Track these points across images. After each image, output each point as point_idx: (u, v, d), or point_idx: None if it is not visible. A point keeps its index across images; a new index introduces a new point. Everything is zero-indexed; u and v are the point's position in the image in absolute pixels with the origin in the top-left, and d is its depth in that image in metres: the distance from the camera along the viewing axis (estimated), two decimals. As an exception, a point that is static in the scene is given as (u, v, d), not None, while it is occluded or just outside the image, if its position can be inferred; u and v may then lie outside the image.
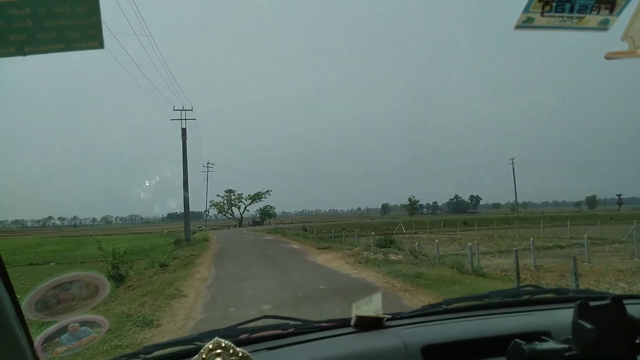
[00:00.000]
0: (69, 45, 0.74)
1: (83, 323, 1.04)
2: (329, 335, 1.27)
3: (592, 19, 0.78)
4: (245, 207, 70.64)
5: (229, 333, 1.24)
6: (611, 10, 0.76)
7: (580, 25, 0.79)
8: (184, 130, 25.70)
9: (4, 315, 0.60)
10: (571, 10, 0.76)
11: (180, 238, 25.35)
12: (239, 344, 0.95)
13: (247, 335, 1.24)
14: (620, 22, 0.76)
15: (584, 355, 0.78)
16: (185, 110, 26.23)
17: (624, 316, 0.81)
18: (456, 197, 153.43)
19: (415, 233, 38.09)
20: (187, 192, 25.95)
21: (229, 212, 70.16)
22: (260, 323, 1.32)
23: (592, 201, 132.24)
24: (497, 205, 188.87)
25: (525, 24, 0.78)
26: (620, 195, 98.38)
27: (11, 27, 0.72)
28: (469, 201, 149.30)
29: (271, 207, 76.00)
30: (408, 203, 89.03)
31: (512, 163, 66.94)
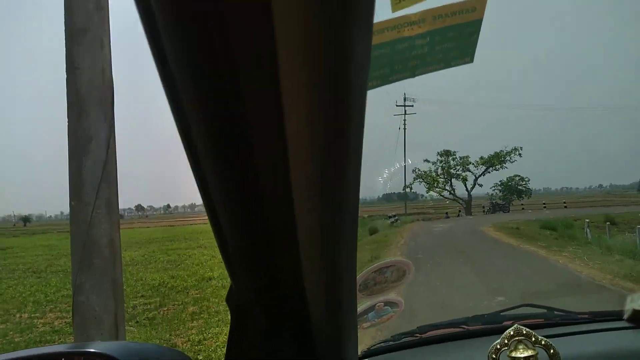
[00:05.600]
0: (447, 63, 0.81)
1: (386, 303, 1.16)
2: (596, 329, 1.17)
3: None
4: (476, 179, 38.22)
5: (493, 319, 1.25)
6: None
7: None
8: None
9: (352, 292, 0.58)
10: None
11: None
12: (501, 330, 1.00)
13: (510, 322, 1.16)
14: None
15: None
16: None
17: None
18: None
19: None
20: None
21: (447, 187, 38.82)
22: (519, 311, 1.30)
23: None
24: None
25: None
26: None
27: (412, 55, 0.80)
28: None
29: (522, 179, 40.15)
30: None
31: None
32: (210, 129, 0.36)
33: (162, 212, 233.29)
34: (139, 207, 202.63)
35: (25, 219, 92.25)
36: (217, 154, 0.38)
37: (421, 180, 38.73)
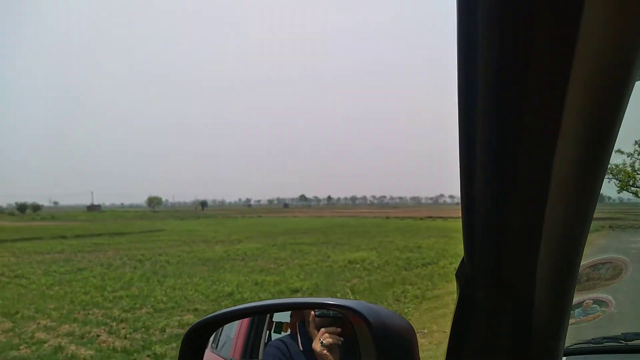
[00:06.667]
0: None
1: (595, 301, 1.09)
2: None
3: None
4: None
5: None
6: None
7: None
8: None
9: (572, 286, 0.59)
10: None
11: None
12: None
13: None
14: None
15: None
16: None
17: None
18: None
19: None
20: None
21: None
22: None
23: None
24: None
25: None
26: None
27: None
28: None
29: None
30: None
31: None
32: (491, 121, 0.41)
33: (325, 202, 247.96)
34: (303, 197, 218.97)
35: (203, 204, 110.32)
36: (488, 145, 0.43)
37: (611, 176, 30.54)
